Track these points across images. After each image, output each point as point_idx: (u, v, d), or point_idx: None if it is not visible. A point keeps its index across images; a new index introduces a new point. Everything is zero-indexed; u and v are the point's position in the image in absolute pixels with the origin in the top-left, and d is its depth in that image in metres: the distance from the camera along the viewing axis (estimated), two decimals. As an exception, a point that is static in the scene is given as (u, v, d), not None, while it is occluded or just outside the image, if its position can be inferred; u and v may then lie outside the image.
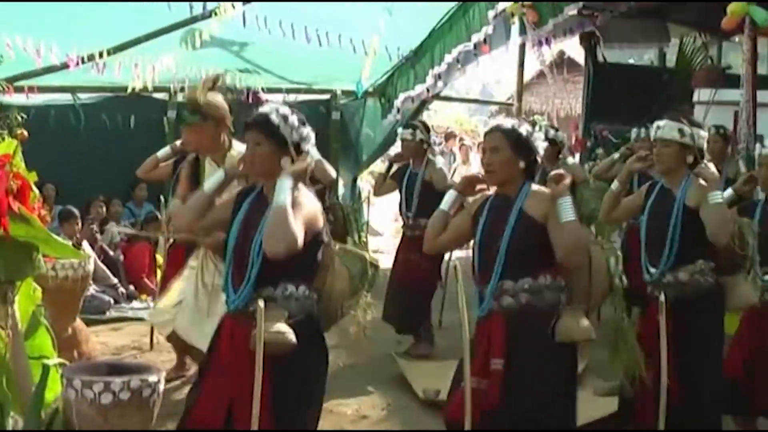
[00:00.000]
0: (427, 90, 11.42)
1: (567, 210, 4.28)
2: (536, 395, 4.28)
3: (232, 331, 4.03)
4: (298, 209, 3.89)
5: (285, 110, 4.10)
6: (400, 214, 8.20)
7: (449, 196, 4.66)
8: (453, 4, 10.89)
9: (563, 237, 4.27)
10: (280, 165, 4.01)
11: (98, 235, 9.95)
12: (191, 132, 5.64)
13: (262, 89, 10.95)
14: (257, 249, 3.94)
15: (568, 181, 4.33)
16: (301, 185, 4.00)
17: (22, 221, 3.66)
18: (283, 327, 3.83)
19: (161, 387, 4.02)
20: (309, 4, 10.36)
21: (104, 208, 10.46)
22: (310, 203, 4.02)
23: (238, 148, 5.27)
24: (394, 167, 8.07)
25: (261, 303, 3.82)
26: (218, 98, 5.58)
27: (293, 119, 4.08)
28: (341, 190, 12.18)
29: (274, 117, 4.06)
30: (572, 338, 4.30)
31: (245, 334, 3.89)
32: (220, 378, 4.02)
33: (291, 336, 3.83)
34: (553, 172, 4.39)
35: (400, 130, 8.13)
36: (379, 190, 8.43)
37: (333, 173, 6.28)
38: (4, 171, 3.60)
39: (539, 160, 4.54)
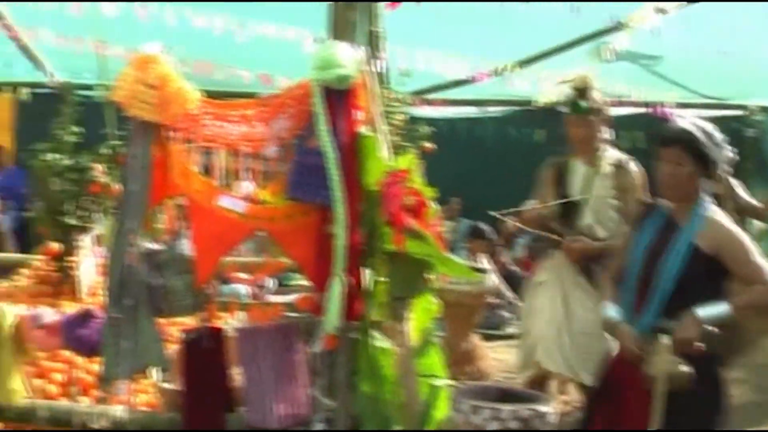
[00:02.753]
0: None
1: None
2: None
3: (625, 362, 3.79)
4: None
5: (707, 126, 3.77)
6: None
7: None
8: None
9: None
10: (699, 187, 3.70)
11: (503, 250, 10.00)
12: (579, 123, 5.42)
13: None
14: (665, 277, 3.68)
15: None
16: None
17: (417, 238, 3.64)
18: (678, 359, 3.54)
19: (553, 417, 3.86)
20: (726, 12, 9.80)
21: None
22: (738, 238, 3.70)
23: (612, 153, 5.31)
24: None
25: (664, 339, 3.56)
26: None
27: (717, 136, 3.75)
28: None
29: (699, 134, 3.73)
30: None
31: (638, 365, 3.65)
32: (611, 412, 3.81)
33: (686, 368, 3.53)
34: None
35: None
36: None
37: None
38: (401, 186, 3.59)
39: None
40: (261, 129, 3.68)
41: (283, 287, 6.42)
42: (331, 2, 3.90)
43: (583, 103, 5.31)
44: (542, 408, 3.80)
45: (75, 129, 5.44)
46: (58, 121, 5.48)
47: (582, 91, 5.34)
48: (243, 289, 5.89)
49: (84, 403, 4.54)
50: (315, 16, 8.43)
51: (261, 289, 5.93)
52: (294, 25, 9.59)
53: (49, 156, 5.36)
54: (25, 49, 11.50)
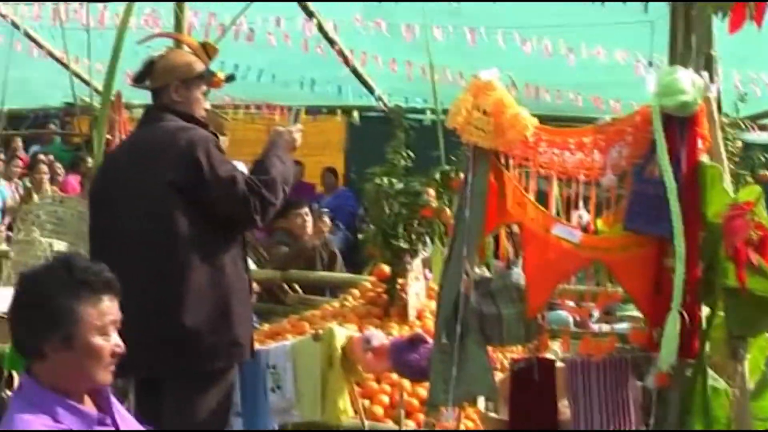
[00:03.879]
0: None
1: None
2: None
3: None
4: None
5: None
6: None
7: None
8: None
9: None
10: None
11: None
12: None
13: None
14: None
15: None
16: None
17: (760, 275, 3.46)
18: None
19: None
20: None
21: None
22: None
23: None
24: None
25: None
26: None
27: None
28: None
29: None
30: None
31: None
32: None
33: None
34: None
35: None
36: None
37: None
38: (745, 220, 3.42)
39: None
40: (598, 157, 3.62)
41: (606, 316, 6.28)
42: (673, 24, 3.80)
43: None
44: None
45: (407, 153, 5.57)
46: (391, 144, 5.63)
47: None
48: (566, 316, 5.82)
49: (409, 427, 4.63)
50: (645, 39, 8.29)
51: (587, 318, 5.84)
52: (624, 48, 9.48)
53: (382, 179, 5.51)
54: (356, 74, 12.02)
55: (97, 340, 2.80)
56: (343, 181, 13.86)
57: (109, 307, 2.84)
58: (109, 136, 6.30)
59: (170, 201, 4.10)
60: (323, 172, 13.67)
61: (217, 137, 4.34)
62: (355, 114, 13.66)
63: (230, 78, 4.63)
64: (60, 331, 2.75)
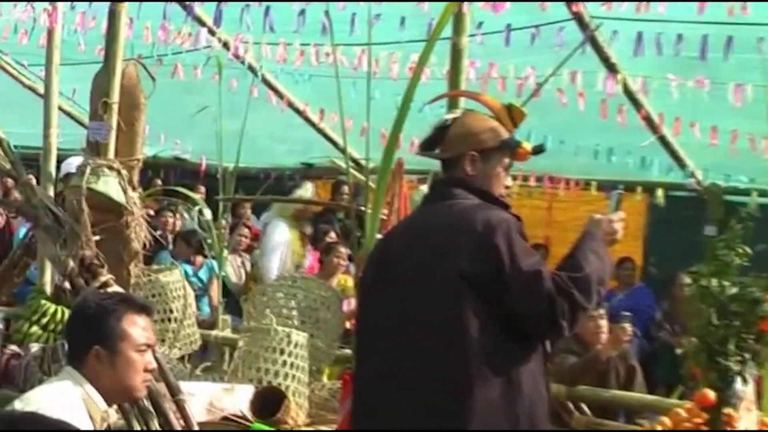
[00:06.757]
0: None
1: None
2: None
3: None
4: None
5: None
6: None
7: None
8: None
9: None
10: None
11: None
12: None
13: None
14: None
15: None
16: None
17: None
18: None
19: None
20: None
21: None
22: None
23: None
24: None
25: None
26: None
27: None
28: None
29: None
30: None
31: None
32: None
33: None
34: None
35: None
36: None
37: None
38: None
39: None
40: None
41: None
42: None
43: None
44: None
45: (743, 249, 5.40)
46: (723, 237, 5.49)
47: None
48: None
49: None
50: None
51: None
52: None
53: (709, 280, 5.37)
54: (664, 144, 11.87)
55: None
56: (640, 276, 13.56)
57: None
58: (385, 212, 6.30)
59: (460, 296, 4.09)
60: (617, 263, 13.45)
61: (521, 221, 4.34)
62: (660, 193, 13.41)
63: (539, 149, 4.61)
64: None
